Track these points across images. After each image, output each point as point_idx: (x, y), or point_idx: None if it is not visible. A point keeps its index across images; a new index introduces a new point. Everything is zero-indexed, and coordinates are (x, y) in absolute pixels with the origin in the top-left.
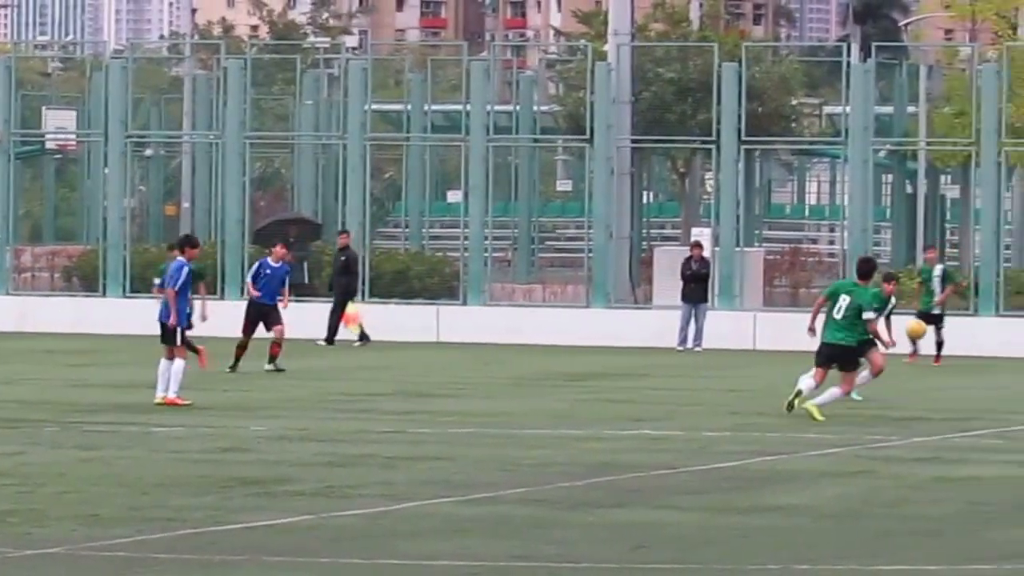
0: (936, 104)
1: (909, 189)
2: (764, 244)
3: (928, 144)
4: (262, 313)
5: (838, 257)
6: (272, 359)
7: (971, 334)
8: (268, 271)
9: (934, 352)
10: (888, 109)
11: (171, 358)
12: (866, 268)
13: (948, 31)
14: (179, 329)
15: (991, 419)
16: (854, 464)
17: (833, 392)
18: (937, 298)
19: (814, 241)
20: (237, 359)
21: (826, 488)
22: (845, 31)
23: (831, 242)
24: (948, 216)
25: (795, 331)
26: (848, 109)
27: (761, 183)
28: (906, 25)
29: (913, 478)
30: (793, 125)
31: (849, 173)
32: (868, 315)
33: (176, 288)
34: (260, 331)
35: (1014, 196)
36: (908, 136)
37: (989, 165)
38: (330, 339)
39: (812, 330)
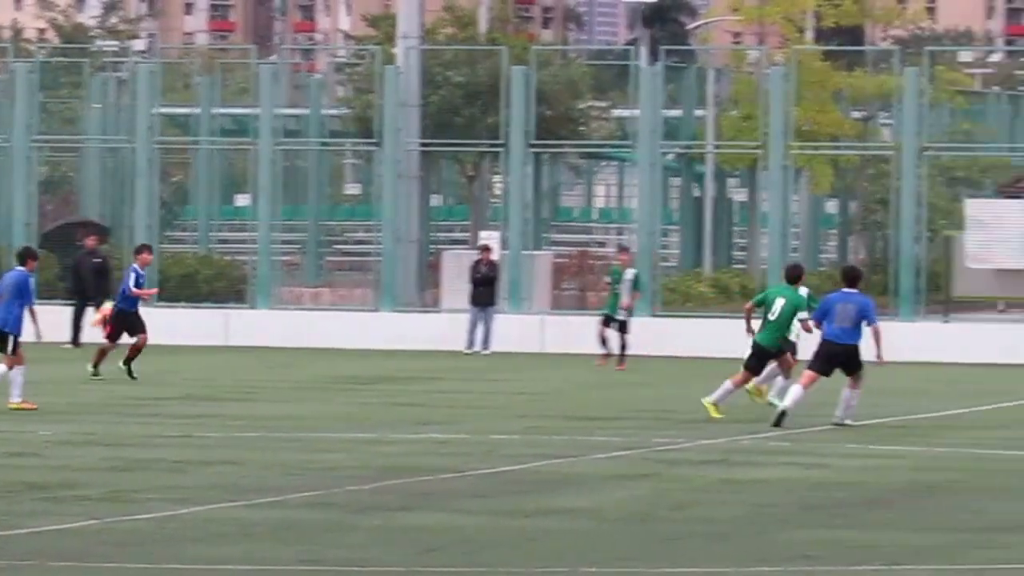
0: (724, 107)
1: (697, 192)
2: (552, 247)
3: (716, 147)
4: (129, 320)
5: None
6: (128, 363)
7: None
8: (143, 279)
9: (617, 354)
10: (676, 112)
11: (11, 366)
12: (795, 273)
13: (736, 34)
14: (14, 337)
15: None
16: (641, 467)
17: (727, 387)
18: (624, 301)
19: (602, 244)
20: (97, 363)
21: (613, 491)
22: (634, 34)
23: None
24: (736, 219)
25: (583, 334)
26: (637, 112)
27: (550, 186)
28: (695, 28)
29: (699, 480)
30: (582, 128)
31: (637, 176)
32: (802, 315)
33: (25, 300)
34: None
35: (801, 199)
36: (696, 139)
37: (776, 168)
38: (75, 340)
39: (751, 331)
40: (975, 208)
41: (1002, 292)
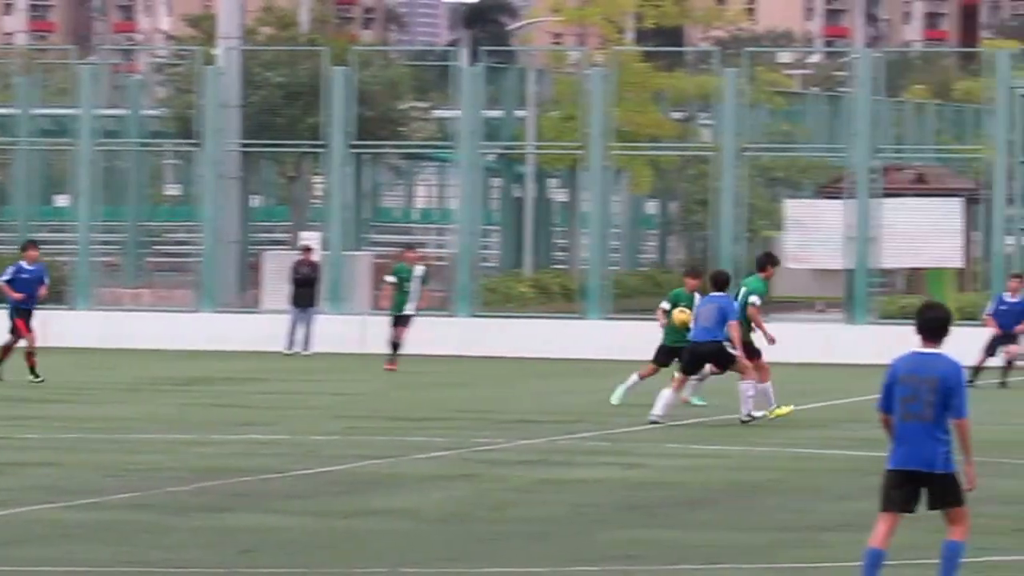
0: (545, 108)
1: (517, 193)
2: (373, 248)
3: (536, 148)
4: (23, 317)
5: (447, 261)
6: (32, 370)
7: (578, 336)
8: (25, 274)
9: (389, 353)
10: (497, 113)
11: None
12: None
13: (557, 35)
14: None
15: (595, 422)
16: (460, 467)
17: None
18: (414, 300)
19: (423, 245)
20: None
21: (433, 491)
22: (455, 35)
23: (440, 246)
24: (556, 219)
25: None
26: (457, 113)
27: (370, 187)
28: (515, 29)
29: (519, 481)
30: (402, 129)
31: (458, 177)
32: (754, 299)
33: None
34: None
35: (621, 199)
36: (517, 140)
37: (596, 169)
38: None
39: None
40: (794, 208)
41: (821, 292)
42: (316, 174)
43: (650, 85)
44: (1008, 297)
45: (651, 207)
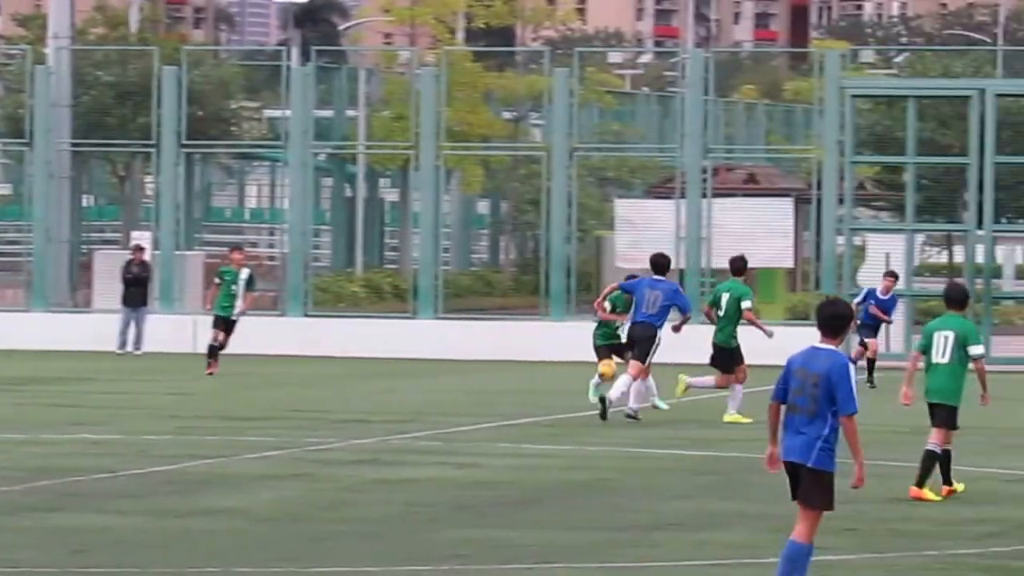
0: (376, 108)
1: (349, 192)
2: (205, 247)
3: (368, 147)
4: None
5: (279, 260)
6: None
7: (410, 336)
8: None
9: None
10: (328, 113)
11: None
12: (738, 265)
13: (388, 35)
14: None
15: (428, 421)
16: (293, 467)
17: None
18: (240, 303)
19: (255, 244)
20: None
21: (266, 491)
22: (286, 35)
23: (271, 245)
24: (388, 219)
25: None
26: (288, 113)
27: (201, 186)
28: (346, 29)
29: (352, 480)
30: (233, 129)
31: (289, 177)
32: (746, 304)
33: None
34: None
35: (452, 199)
36: (348, 140)
37: (428, 168)
38: None
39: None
40: (625, 208)
41: None
42: (147, 174)
43: (481, 85)
44: (881, 295)
45: (482, 207)
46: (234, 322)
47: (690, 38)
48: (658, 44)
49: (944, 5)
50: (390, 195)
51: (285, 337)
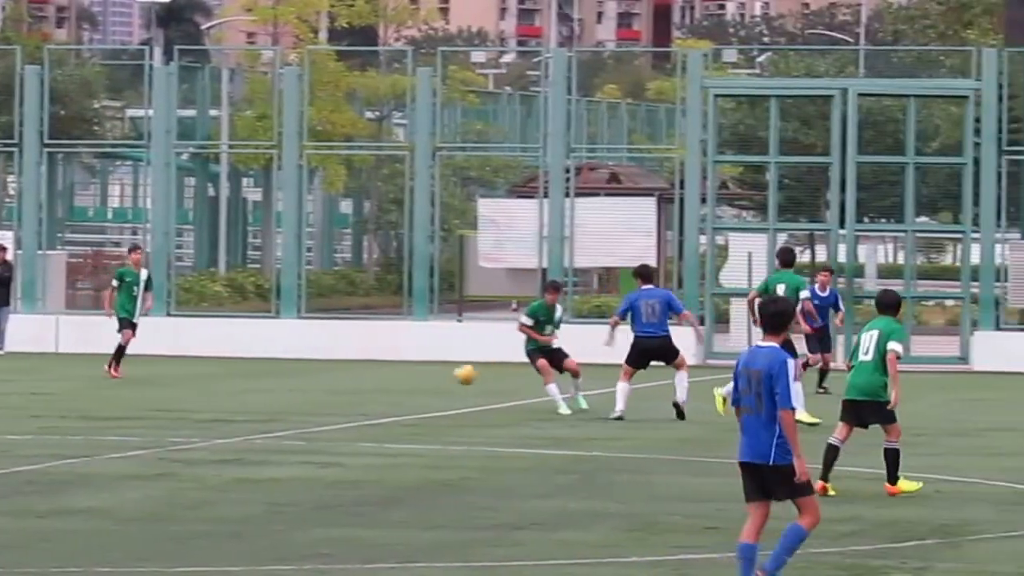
0: (239, 107)
1: (212, 192)
2: (67, 247)
3: (230, 147)
4: None
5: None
6: None
7: (273, 336)
8: None
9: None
10: (191, 112)
11: None
12: (787, 258)
13: (251, 34)
14: None
15: (292, 421)
16: (156, 467)
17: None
18: (144, 304)
19: (117, 244)
20: None
21: (128, 491)
22: (149, 34)
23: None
24: (251, 219)
25: (98, 334)
26: (151, 112)
27: (64, 186)
28: (209, 28)
29: (215, 480)
30: (96, 128)
31: (152, 176)
32: (804, 294)
33: None
34: None
35: (316, 198)
36: (211, 139)
37: (291, 168)
38: None
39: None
40: (488, 208)
41: (514, 291)
42: (9, 173)
43: (344, 84)
44: (819, 291)
45: (346, 206)
46: (136, 324)
47: (553, 37)
48: (521, 43)
49: (806, 5)
50: (253, 195)
51: (147, 337)
